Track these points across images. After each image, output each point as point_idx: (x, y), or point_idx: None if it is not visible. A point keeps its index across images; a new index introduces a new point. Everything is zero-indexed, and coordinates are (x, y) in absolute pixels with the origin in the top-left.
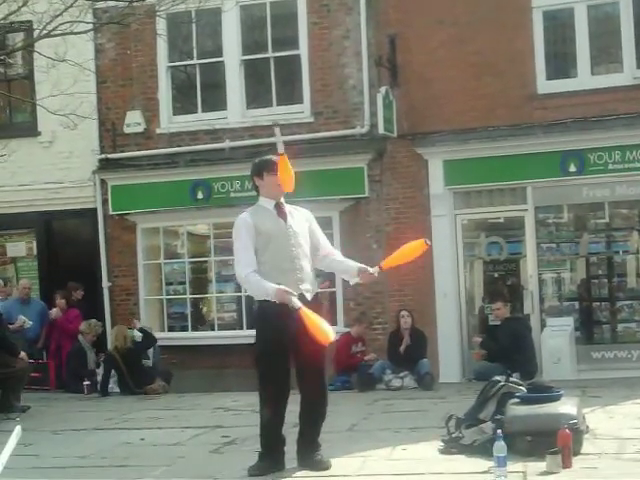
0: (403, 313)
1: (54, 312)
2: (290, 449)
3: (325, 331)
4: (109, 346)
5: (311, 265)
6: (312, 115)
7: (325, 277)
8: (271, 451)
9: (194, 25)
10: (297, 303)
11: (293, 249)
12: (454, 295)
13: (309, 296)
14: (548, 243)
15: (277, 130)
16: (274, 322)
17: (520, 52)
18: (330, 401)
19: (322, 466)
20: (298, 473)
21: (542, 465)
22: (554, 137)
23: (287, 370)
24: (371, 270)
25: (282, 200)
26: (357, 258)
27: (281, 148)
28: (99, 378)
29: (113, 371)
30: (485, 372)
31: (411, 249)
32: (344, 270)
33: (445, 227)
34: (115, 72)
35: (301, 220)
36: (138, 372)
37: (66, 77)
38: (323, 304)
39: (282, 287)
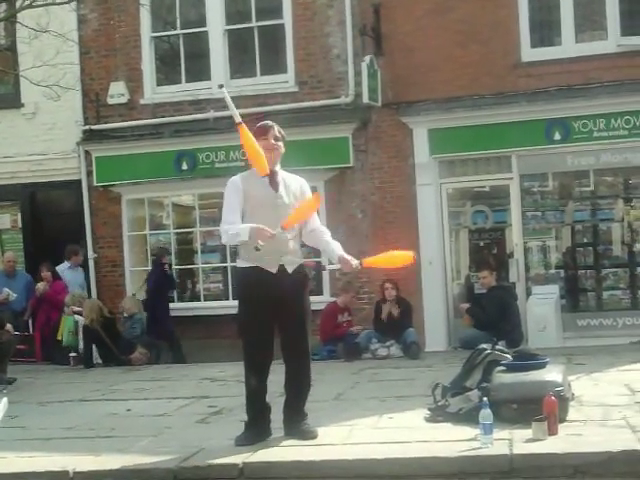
0: (387, 285)
1: (41, 287)
2: (277, 418)
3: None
4: (84, 321)
5: (298, 237)
6: (296, 85)
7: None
8: (257, 420)
9: None
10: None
11: (280, 219)
12: (440, 264)
13: (290, 269)
14: (533, 211)
15: (224, 92)
16: (256, 290)
17: (504, 20)
18: (316, 370)
19: (309, 435)
20: (285, 442)
21: (528, 432)
22: (538, 105)
23: (270, 339)
24: (353, 264)
25: (277, 168)
26: (343, 227)
27: (236, 116)
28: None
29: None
30: (471, 340)
31: (397, 258)
32: (327, 252)
33: (430, 196)
34: (98, 43)
35: (294, 190)
36: (119, 342)
37: (49, 48)
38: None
39: (253, 226)
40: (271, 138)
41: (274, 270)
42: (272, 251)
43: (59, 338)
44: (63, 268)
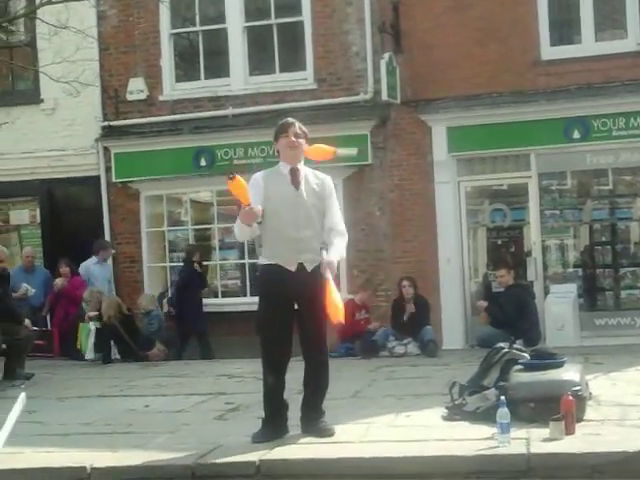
0: (404, 283)
1: (59, 282)
2: (294, 415)
3: (337, 310)
4: (104, 317)
5: (321, 234)
6: (315, 82)
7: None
8: (274, 417)
9: None
10: (327, 275)
11: (300, 217)
12: (457, 262)
13: (309, 267)
14: (552, 210)
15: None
16: (275, 287)
17: (524, 18)
18: (334, 368)
19: (326, 433)
20: (302, 440)
21: (545, 431)
22: (558, 104)
23: (288, 336)
24: (333, 260)
25: (299, 166)
26: (361, 224)
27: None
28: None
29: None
30: (489, 339)
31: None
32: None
33: (448, 194)
34: (117, 39)
35: (318, 188)
36: (138, 338)
37: (68, 44)
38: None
39: (243, 210)
40: (292, 135)
41: (293, 268)
42: (291, 249)
43: (77, 347)
44: (90, 264)
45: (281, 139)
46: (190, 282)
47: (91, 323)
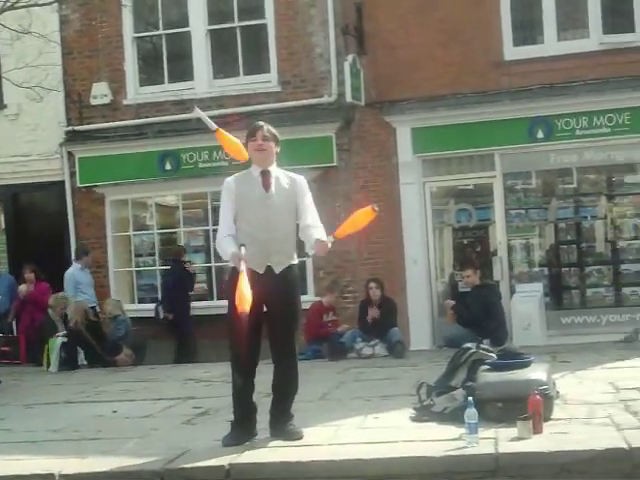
0: (371, 285)
1: (23, 289)
2: (262, 419)
3: (243, 300)
4: (70, 322)
5: (293, 236)
6: (279, 84)
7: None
8: (243, 420)
9: None
10: (242, 268)
11: (270, 220)
12: (424, 262)
13: (277, 269)
14: (517, 209)
15: (196, 110)
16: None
17: (486, 19)
18: (301, 370)
19: (294, 436)
20: (271, 443)
21: (513, 431)
22: (521, 104)
23: (256, 338)
24: (329, 243)
25: (271, 168)
26: (326, 227)
27: (211, 125)
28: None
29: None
30: (456, 339)
31: (361, 216)
32: (306, 240)
33: (414, 195)
34: (81, 43)
35: (290, 189)
36: (105, 344)
37: (31, 49)
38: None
39: (236, 252)
40: (259, 139)
41: (261, 270)
42: (259, 252)
43: (43, 364)
44: (74, 271)
45: (250, 143)
46: (180, 283)
47: (59, 338)
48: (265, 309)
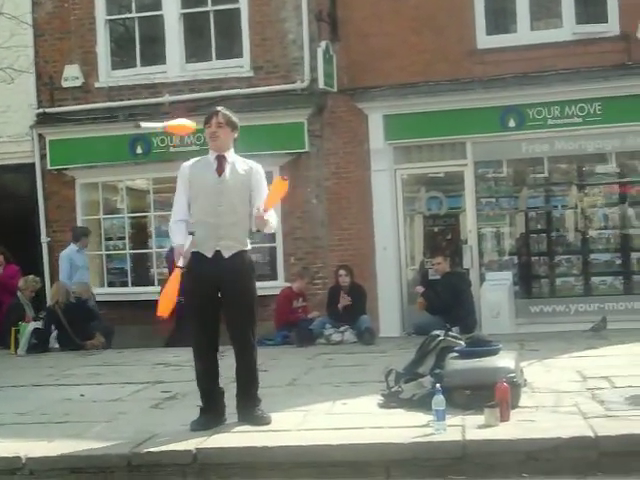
0: (341, 272)
1: None
2: (232, 404)
3: (165, 304)
4: (49, 301)
5: (245, 222)
6: (252, 69)
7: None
8: (210, 405)
9: None
10: (180, 264)
11: (221, 204)
12: (394, 250)
13: (226, 253)
14: (487, 198)
15: (141, 124)
16: (193, 274)
17: (460, 7)
18: (270, 356)
19: (262, 421)
20: (238, 428)
21: (480, 418)
22: (494, 92)
23: (212, 323)
24: (262, 214)
25: (227, 154)
26: (298, 212)
27: (158, 125)
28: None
29: (53, 326)
30: (425, 326)
31: (277, 187)
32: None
33: (385, 182)
34: (53, 25)
35: (245, 176)
36: (79, 327)
37: (2, 30)
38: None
39: (179, 246)
40: (213, 125)
41: (210, 254)
42: (208, 236)
43: (12, 349)
44: (71, 252)
45: (206, 129)
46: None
47: (32, 324)
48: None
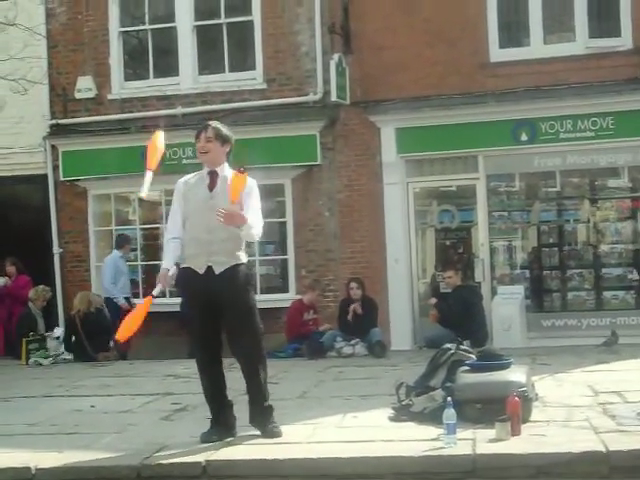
0: (352, 285)
1: (1, 281)
2: (243, 416)
3: (125, 330)
4: (73, 310)
5: (238, 237)
6: (265, 82)
7: None
8: (219, 417)
9: None
10: (155, 292)
11: (212, 220)
12: (406, 263)
13: (218, 269)
14: (499, 211)
15: (144, 196)
16: (187, 290)
17: (473, 20)
18: (281, 368)
19: (272, 434)
20: (248, 440)
21: (491, 432)
22: (506, 106)
23: (211, 337)
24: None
25: (218, 169)
26: (310, 225)
27: (149, 176)
28: (49, 343)
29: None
30: (436, 340)
31: (237, 180)
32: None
33: (397, 195)
34: (66, 37)
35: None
36: (96, 338)
37: (16, 41)
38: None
39: (163, 271)
40: (202, 140)
41: (202, 271)
42: (202, 252)
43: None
44: (115, 258)
45: (196, 144)
46: None
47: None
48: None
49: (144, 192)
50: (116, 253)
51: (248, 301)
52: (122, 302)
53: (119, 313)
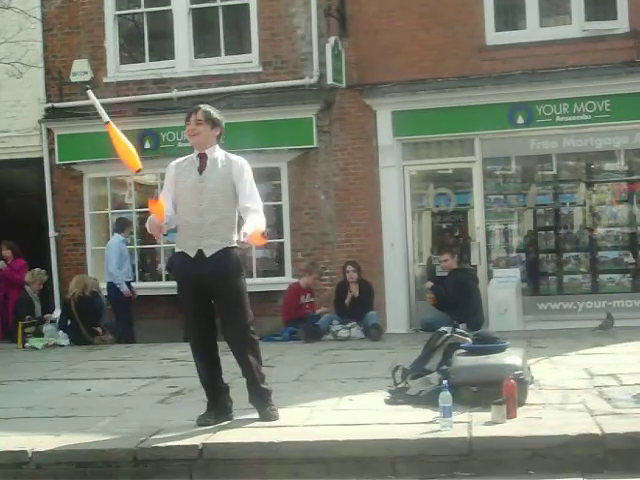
0: (348, 268)
1: None
2: (239, 400)
3: (131, 156)
4: (69, 293)
5: (229, 219)
6: (260, 65)
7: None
8: (215, 400)
9: None
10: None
11: (202, 203)
12: (402, 246)
13: (209, 252)
14: (496, 195)
15: (90, 94)
16: (179, 274)
17: (469, 3)
18: (277, 351)
19: (269, 417)
20: (245, 423)
21: (487, 415)
22: (502, 89)
23: (203, 320)
24: (241, 239)
25: (207, 151)
26: (306, 208)
27: (104, 117)
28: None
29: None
30: (432, 323)
31: (154, 209)
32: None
33: (393, 178)
34: (62, 20)
35: (224, 171)
36: (90, 322)
37: (11, 25)
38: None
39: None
40: (193, 123)
41: (192, 254)
42: (192, 236)
43: (19, 344)
44: (118, 241)
45: (185, 126)
46: None
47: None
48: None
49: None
50: (118, 237)
51: (238, 285)
52: (124, 289)
53: (120, 299)
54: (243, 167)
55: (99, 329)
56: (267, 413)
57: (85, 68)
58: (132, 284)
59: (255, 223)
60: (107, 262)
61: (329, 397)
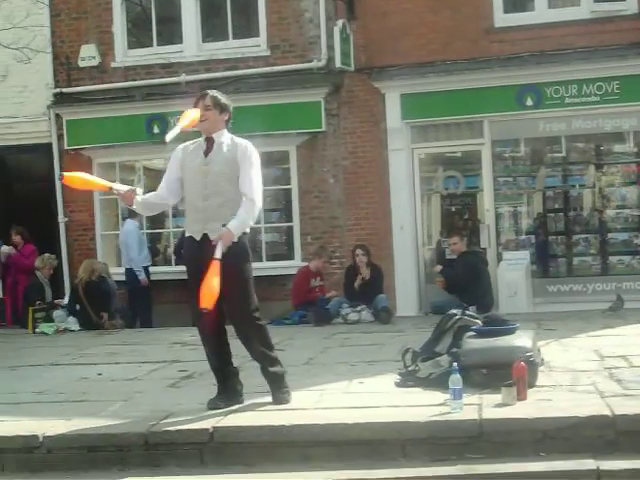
0: (358, 251)
1: (6, 249)
2: (249, 383)
3: (207, 297)
4: (77, 278)
5: (234, 203)
6: (268, 49)
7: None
8: (225, 385)
9: None
10: (217, 255)
11: (207, 187)
12: (411, 229)
13: (213, 236)
14: (505, 177)
15: (167, 140)
16: (186, 258)
17: None
18: (287, 335)
19: (281, 400)
20: (256, 407)
21: (497, 397)
22: (511, 71)
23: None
24: (230, 230)
25: (215, 135)
26: (315, 192)
27: (178, 128)
28: (55, 313)
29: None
30: (442, 305)
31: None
32: None
33: (402, 161)
34: (69, 5)
35: (229, 155)
36: (98, 306)
37: (19, 10)
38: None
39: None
40: (201, 109)
41: (198, 238)
42: (198, 219)
43: (29, 329)
44: (134, 227)
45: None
46: None
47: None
48: None
49: (168, 137)
50: (133, 222)
51: (244, 269)
52: (142, 276)
53: (137, 286)
54: (249, 152)
55: (104, 314)
56: (278, 396)
57: (93, 53)
58: (149, 269)
59: (237, 225)
60: (127, 248)
61: (339, 380)
